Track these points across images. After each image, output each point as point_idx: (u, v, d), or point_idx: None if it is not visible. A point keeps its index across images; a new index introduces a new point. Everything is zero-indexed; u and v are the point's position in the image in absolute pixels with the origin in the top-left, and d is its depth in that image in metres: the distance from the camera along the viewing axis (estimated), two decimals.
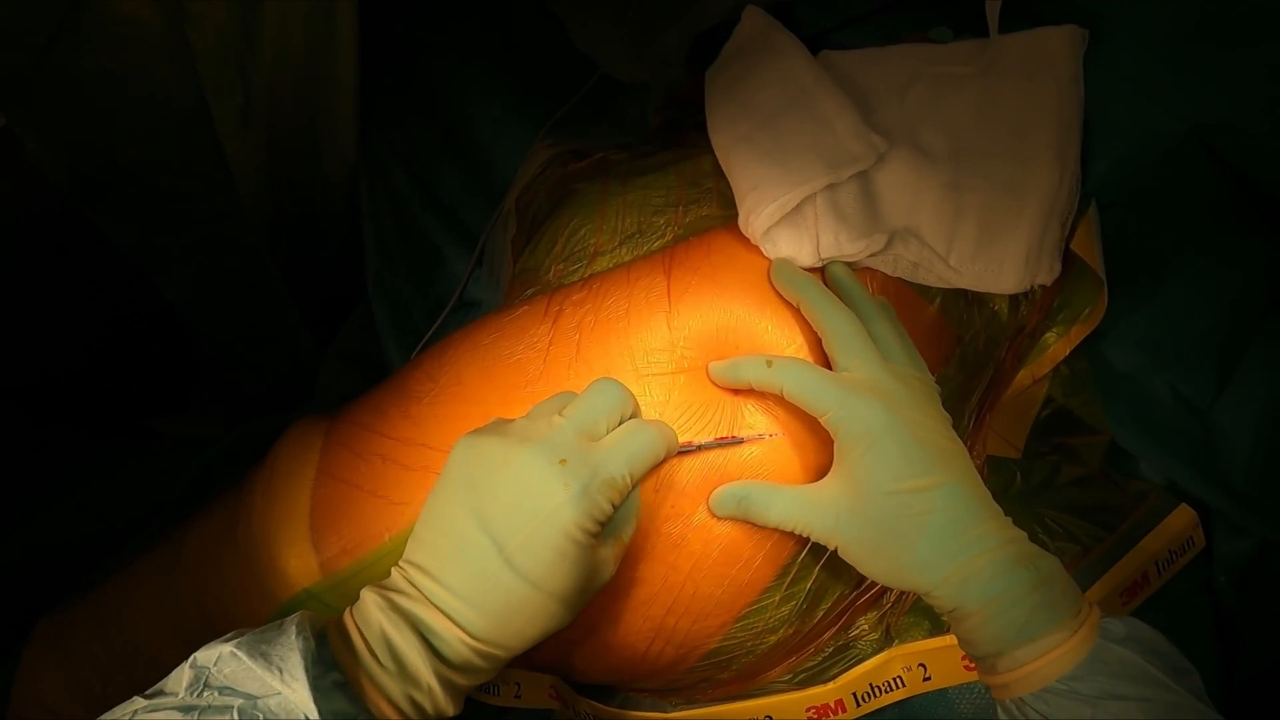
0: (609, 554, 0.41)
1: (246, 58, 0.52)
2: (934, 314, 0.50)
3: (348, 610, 0.40)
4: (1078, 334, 0.51)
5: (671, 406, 0.46)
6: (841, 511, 0.42)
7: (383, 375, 0.57)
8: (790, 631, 0.50)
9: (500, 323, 0.51)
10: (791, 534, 0.47)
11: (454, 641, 0.38)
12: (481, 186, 0.59)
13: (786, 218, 0.48)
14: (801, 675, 0.52)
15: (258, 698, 0.34)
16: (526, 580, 0.38)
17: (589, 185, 0.54)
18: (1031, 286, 0.49)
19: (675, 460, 0.46)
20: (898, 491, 0.40)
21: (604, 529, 0.40)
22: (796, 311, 0.47)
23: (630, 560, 0.46)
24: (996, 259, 0.48)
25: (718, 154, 0.51)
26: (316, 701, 0.34)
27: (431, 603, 0.38)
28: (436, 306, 0.62)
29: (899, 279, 0.50)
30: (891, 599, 0.52)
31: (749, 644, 0.49)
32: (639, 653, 0.49)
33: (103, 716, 0.35)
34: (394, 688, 0.37)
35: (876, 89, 0.51)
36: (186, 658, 0.36)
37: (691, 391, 0.46)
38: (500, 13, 0.61)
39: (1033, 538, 0.43)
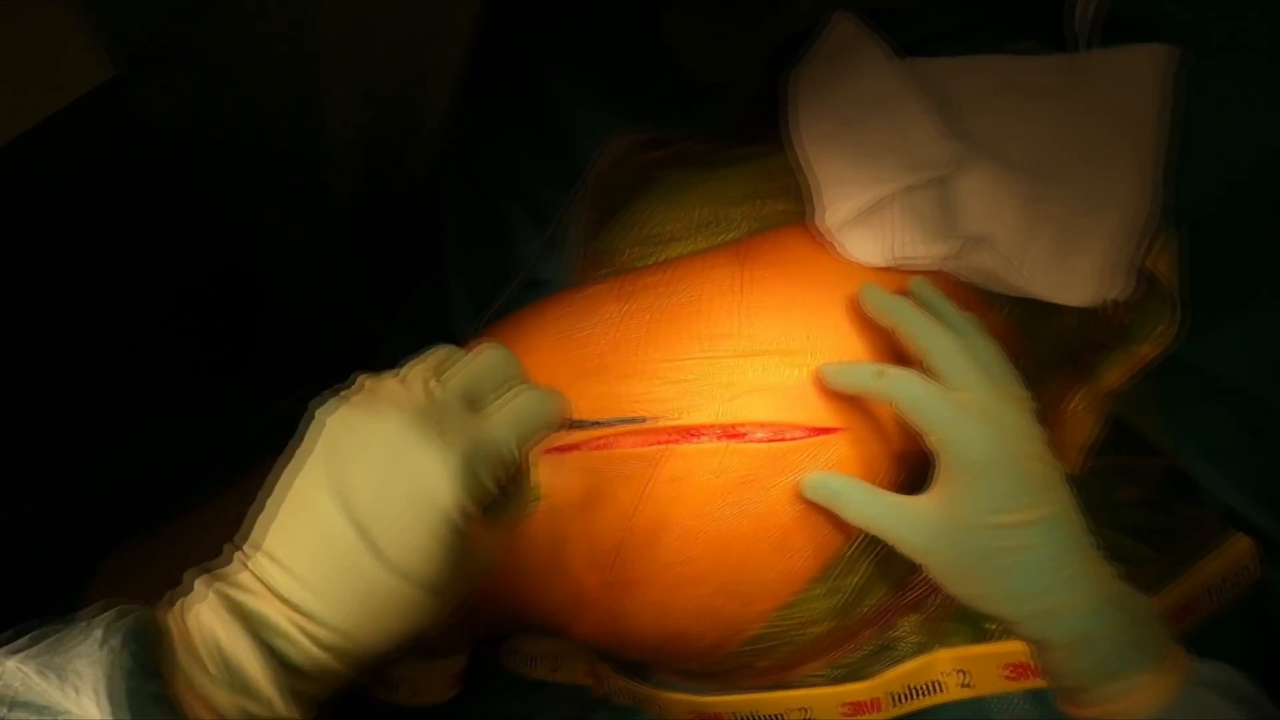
0: (494, 539, 0.36)
1: (363, 36, 0.54)
2: (1002, 322, 0.51)
3: (178, 603, 0.33)
4: (1148, 353, 0.51)
5: (734, 389, 0.47)
6: (938, 532, 0.42)
7: None
8: (832, 625, 0.50)
9: (573, 299, 0.52)
10: (842, 530, 0.47)
11: (303, 644, 0.32)
12: (559, 169, 0.60)
13: (862, 217, 0.48)
14: (840, 671, 0.53)
15: (59, 714, 0.29)
16: (395, 571, 0.32)
17: (669, 173, 0.55)
18: (1104, 302, 0.49)
19: (725, 447, 0.46)
20: (997, 525, 0.41)
21: (488, 510, 0.35)
22: (863, 314, 0.48)
23: (682, 540, 0.47)
24: (1070, 271, 0.49)
25: (798, 150, 0.52)
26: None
27: (278, 596, 0.32)
28: (509, 284, 0.64)
29: (968, 285, 0.50)
30: (935, 604, 0.52)
31: (791, 633, 0.50)
32: (683, 630, 0.50)
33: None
34: (223, 699, 0.31)
35: (961, 97, 0.52)
36: None
37: (755, 375, 0.47)
38: (589, 3, 0.63)
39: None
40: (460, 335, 0.67)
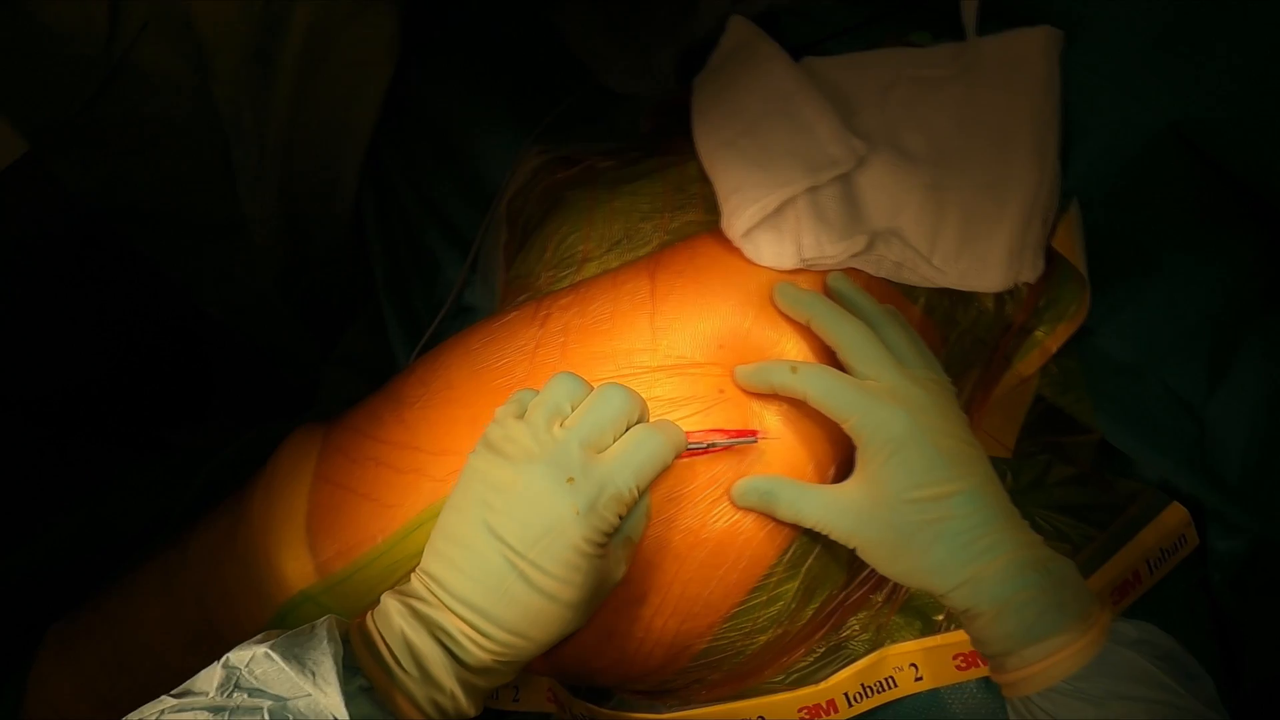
0: (620, 555, 0.43)
1: (262, 109, 0.54)
2: (919, 314, 0.51)
3: (368, 615, 0.41)
4: (1064, 331, 0.51)
5: (653, 403, 0.47)
6: (863, 515, 0.43)
7: (384, 381, 0.59)
8: (779, 632, 0.50)
9: (490, 328, 0.52)
10: (778, 535, 0.47)
11: (473, 649, 0.39)
12: (474, 194, 0.60)
13: (768, 220, 0.48)
14: (794, 675, 0.52)
15: (287, 699, 0.35)
16: (541, 593, 0.39)
17: (578, 193, 0.55)
18: (1016, 284, 0.49)
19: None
20: (918, 499, 0.42)
21: (612, 537, 0.42)
22: (777, 314, 0.48)
23: None
24: (980, 257, 0.49)
25: (702, 159, 0.52)
26: (348, 708, 0.35)
27: (452, 611, 0.39)
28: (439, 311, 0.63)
29: (883, 280, 0.51)
30: (881, 599, 0.52)
31: (739, 644, 0.50)
32: (628, 654, 0.49)
33: (130, 715, 0.36)
34: (418, 692, 0.38)
35: (857, 93, 0.52)
36: (191, 659, 0.38)
37: (674, 387, 0.47)
38: (491, 21, 0.62)
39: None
40: (397, 366, 0.66)
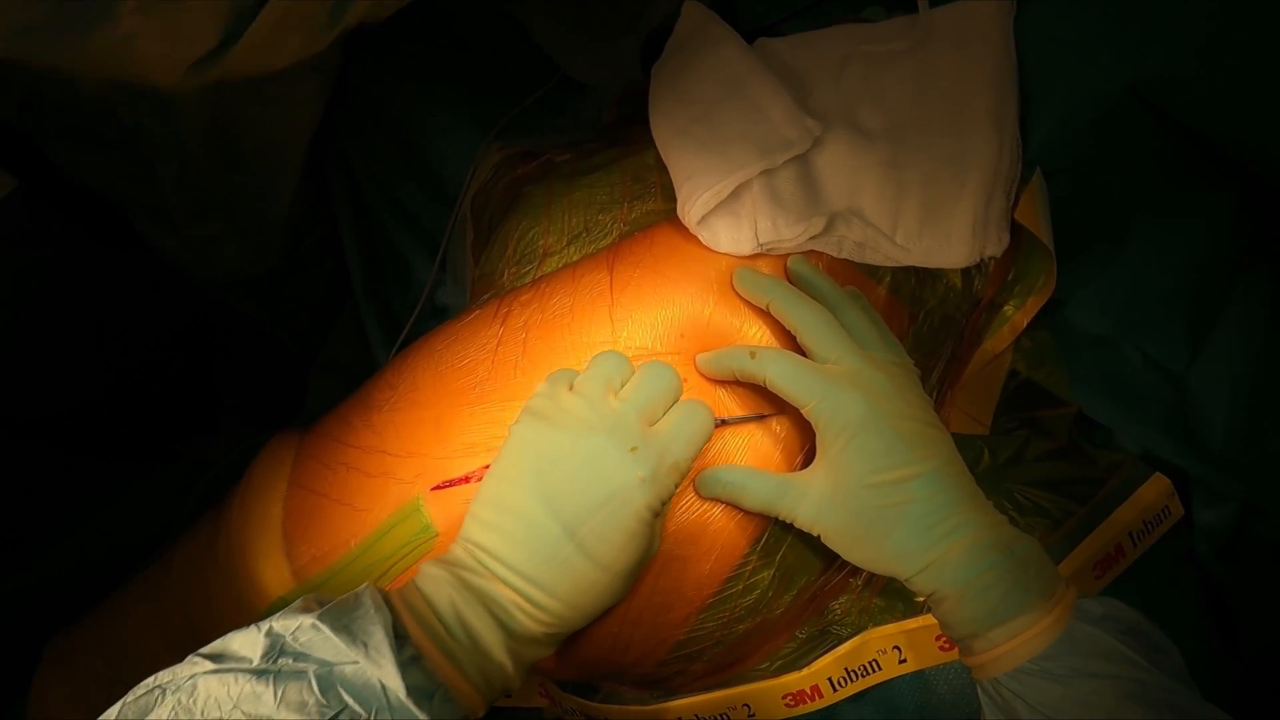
0: (658, 528, 0.43)
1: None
2: (884, 294, 0.50)
3: (409, 584, 0.40)
4: (1034, 304, 0.50)
5: None
6: (824, 501, 0.43)
7: None
8: (758, 620, 0.50)
9: (454, 329, 0.52)
10: (746, 526, 0.47)
11: (524, 620, 0.39)
12: (439, 193, 0.60)
13: (724, 206, 0.48)
14: (779, 663, 0.52)
15: (334, 664, 0.35)
16: (597, 563, 0.39)
17: (536, 188, 0.54)
18: (982, 259, 0.48)
19: None
20: (877, 484, 0.42)
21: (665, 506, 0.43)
22: (738, 300, 0.47)
23: None
24: (943, 233, 0.48)
25: (658, 148, 0.52)
26: (402, 676, 0.35)
27: (500, 580, 0.39)
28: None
29: (846, 261, 0.50)
30: (861, 583, 0.52)
31: (717, 634, 0.49)
32: (605, 649, 0.49)
33: (160, 673, 0.35)
34: (468, 662, 0.38)
35: (811, 72, 0.51)
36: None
37: None
38: (450, 14, 0.62)
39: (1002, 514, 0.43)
40: (378, 368, 0.66)
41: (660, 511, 0.42)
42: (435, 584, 0.39)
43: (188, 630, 0.55)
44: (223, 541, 0.53)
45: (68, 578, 0.71)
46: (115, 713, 0.34)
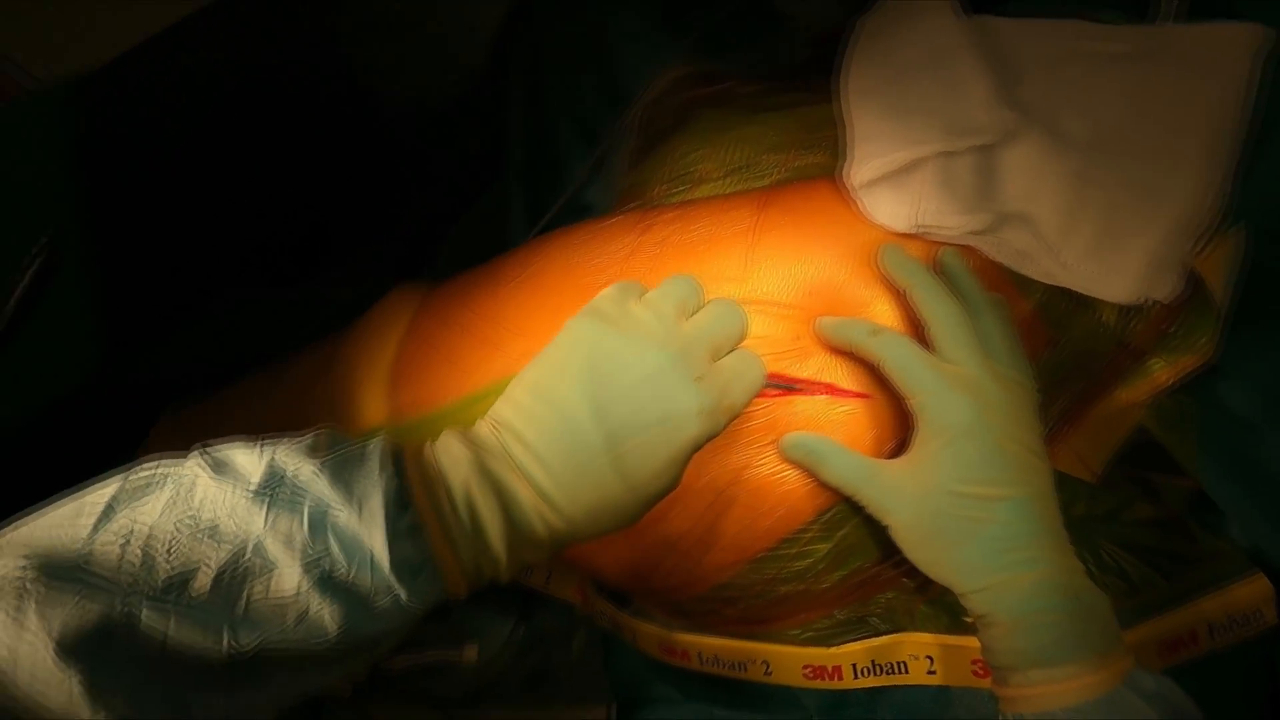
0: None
1: None
2: (1029, 309, 0.48)
3: (429, 448, 0.38)
4: (1186, 365, 0.47)
5: None
6: (903, 494, 0.43)
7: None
8: (802, 588, 0.50)
9: (594, 227, 0.53)
10: (816, 496, 0.47)
11: (535, 519, 0.37)
12: (612, 94, 0.60)
13: (892, 177, 0.46)
14: (809, 634, 0.52)
15: (329, 507, 0.33)
16: (629, 483, 0.37)
17: (711, 111, 0.54)
18: (1146, 301, 0.45)
19: None
20: (963, 493, 0.41)
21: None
22: (876, 274, 0.46)
23: None
24: (1113, 263, 0.45)
25: (841, 101, 0.50)
26: (389, 546, 0.33)
27: (527, 478, 0.37)
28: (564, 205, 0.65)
29: (999, 265, 0.48)
30: (914, 585, 0.51)
31: (758, 588, 0.50)
32: (649, 565, 0.51)
33: (165, 459, 0.35)
34: (466, 548, 0.36)
35: (1026, 61, 0.48)
36: None
37: (752, 322, 0.47)
38: None
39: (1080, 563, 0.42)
40: (511, 246, 0.68)
41: (702, 448, 0.39)
42: (453, 460, 0.37)
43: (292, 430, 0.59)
44: (336, 366, 0.57)
45: (203, 356, 0.77)
46: (117, 486, 0.33)
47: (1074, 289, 0.47)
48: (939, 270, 0.47)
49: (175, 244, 0.70)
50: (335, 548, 0.33)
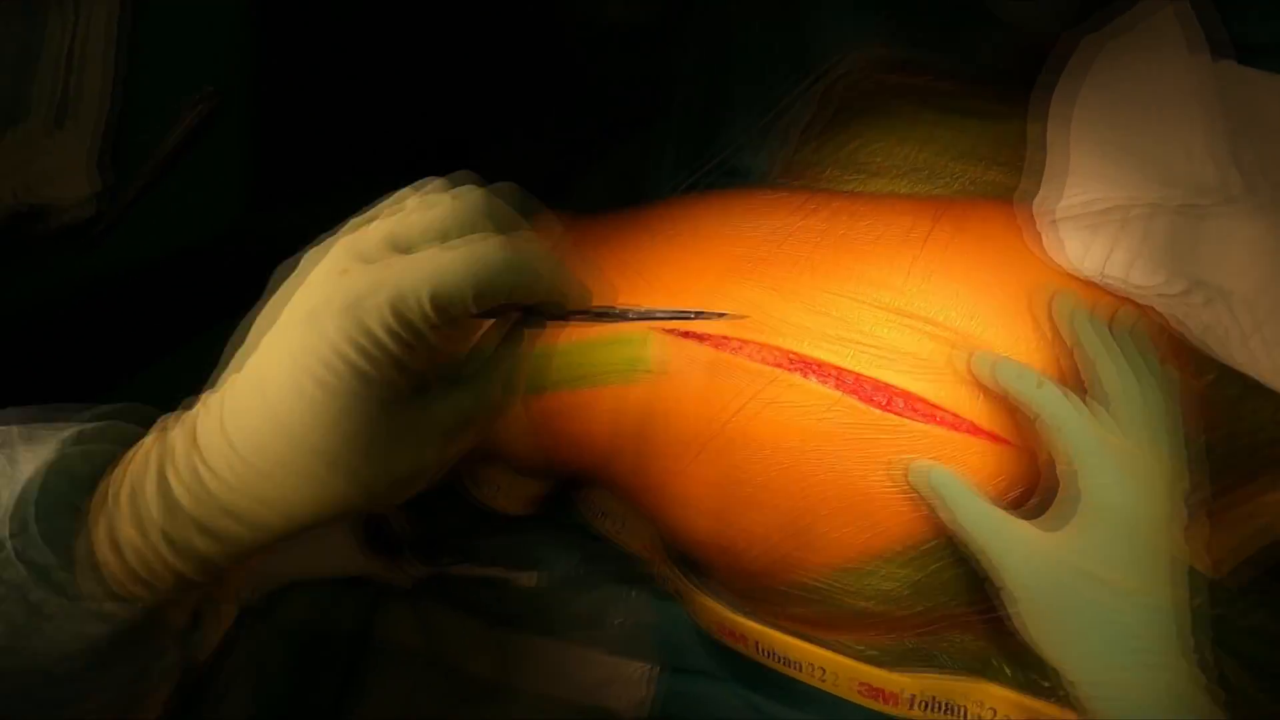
0: (433, 434, 0.30)
1: None
2: (1200, 389, 0.45)
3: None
4: None
5: (869, 344, 0.45)
6: (1031, 560, 0.41)
7: (634, 203, 0.60)
8: (880, 609, 0.49)
9: (755, 198, 0.51)
10: (923, 527, 0.45)
11: (191, 484, 0.28)
12: (798, 61, 0.58)
13: (1087, 218, 0.43)
14: (873, 652, 0.52)
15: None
16: (272, 414, 0.28)
17: (904, 104, 0.51)
18: None
19: (839, 399, 0.45)
20: (1103, 580, 0.39)
21: (443, 390, 0.30)
22: (1040, 315, 0.44)
23: (762, 464, 0.47)
24: None
25: (1050, 123, 0.47)
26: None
27: (193, 435, 0.29)
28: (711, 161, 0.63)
29: (1178, 335, 0.44)
30: (992, 635, 0.49)
31: (836, 596, 0.49)
32: (734, 548, 0.50)
33: None
34: (125, 530, 0.29)
35: (1273, 123, 0.43)
36: None
37: (901, 336, 0.45)
38: None
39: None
40: (651, 196, 0.67)
41: (364, 369, 0.27)
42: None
43: None
44: None
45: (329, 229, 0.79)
46: None
47: (1256, 378, 0.43)
48: (1116, 330, 0.44)
49: (328, 117, 0.72)
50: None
